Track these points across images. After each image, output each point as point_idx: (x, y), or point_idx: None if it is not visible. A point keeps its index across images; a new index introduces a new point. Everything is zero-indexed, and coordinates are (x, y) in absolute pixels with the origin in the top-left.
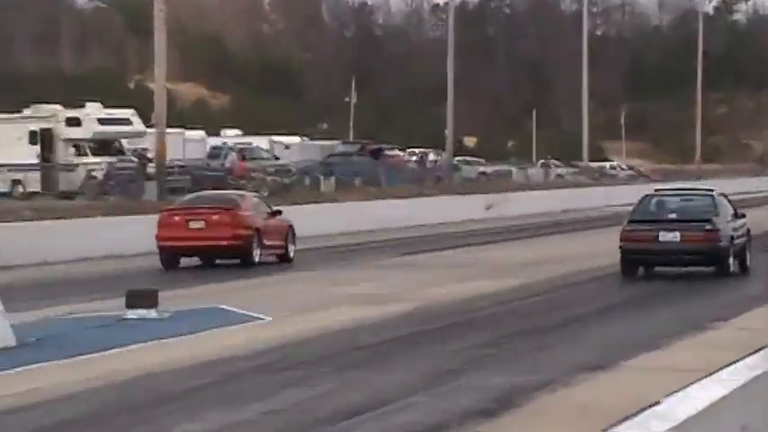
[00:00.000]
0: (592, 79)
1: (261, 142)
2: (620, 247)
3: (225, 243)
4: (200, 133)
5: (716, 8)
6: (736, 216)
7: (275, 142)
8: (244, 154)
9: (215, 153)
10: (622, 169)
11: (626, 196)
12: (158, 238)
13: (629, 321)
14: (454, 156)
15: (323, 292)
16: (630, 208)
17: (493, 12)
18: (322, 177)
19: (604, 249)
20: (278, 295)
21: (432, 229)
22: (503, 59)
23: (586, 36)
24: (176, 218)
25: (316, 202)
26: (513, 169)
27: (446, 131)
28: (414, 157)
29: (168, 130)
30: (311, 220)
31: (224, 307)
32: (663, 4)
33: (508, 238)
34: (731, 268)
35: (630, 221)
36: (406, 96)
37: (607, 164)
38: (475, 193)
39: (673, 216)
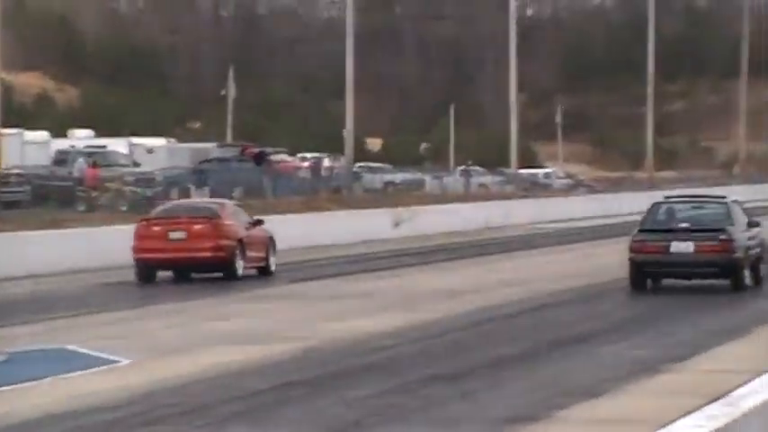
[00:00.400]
0: (522, 69)
1: (118, 145)
2: (630, 258)
3: (208, 255)
4: (44, 134)
5: None
6: (751, 225)
7: (135, 145)
8: (94, 159)
9: (61, 158)
10: (559, 178)
11: (563, 211)
12: (135, 250)
13: (568, 361)
14: (355, 162)
15: (194, 329)
16: (567, 225)
17: None
18: (193, 188)
19: (536, 275)
20: (139, 332)
21: (327, 250)
22: (414, 46)
23: (514, 17)
24: (155, 228)
25: None
26: (427, 178)
27: (344, 132)
28: (306, 164)
29: (3, 131)
30: None
31: (72, 347)
32: None
33: (420, 262)
34: (746, 281)
35: (641, 231)
36: (295, 90)
37: (540, 171)
38: (380, 207)
39: (685, 225)
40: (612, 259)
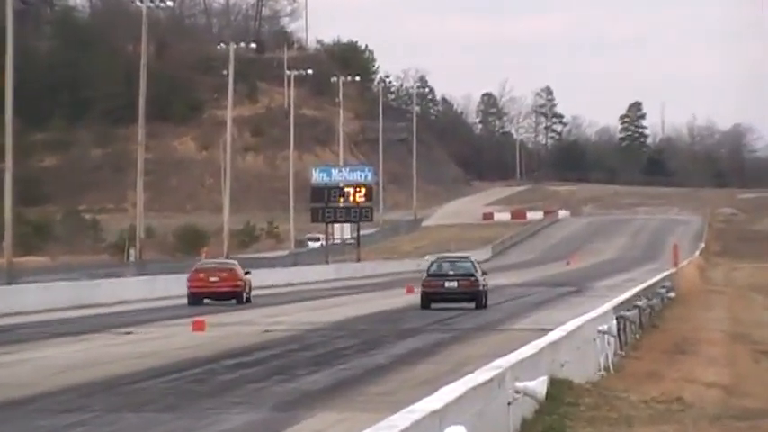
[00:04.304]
0: None
1: None
2: (422, 291)
3: (230, 290)
4: None
5: None
6: (484, 273)
7: None
8: None
9: None
10: None
11: None
12: (190, 287)
13: None
14: None
15: None
16: None
17: None
18: None
19: None
20: None
21: None
22: None
23: None
24: (201, 275)
25: None
26: None
27: None
28: None
29: None
30: None
31: None
32: None
33: None
34: (483, 303)
35: (428, 275)
36: None
37: None
38: None
39: (451, 272)
40: None
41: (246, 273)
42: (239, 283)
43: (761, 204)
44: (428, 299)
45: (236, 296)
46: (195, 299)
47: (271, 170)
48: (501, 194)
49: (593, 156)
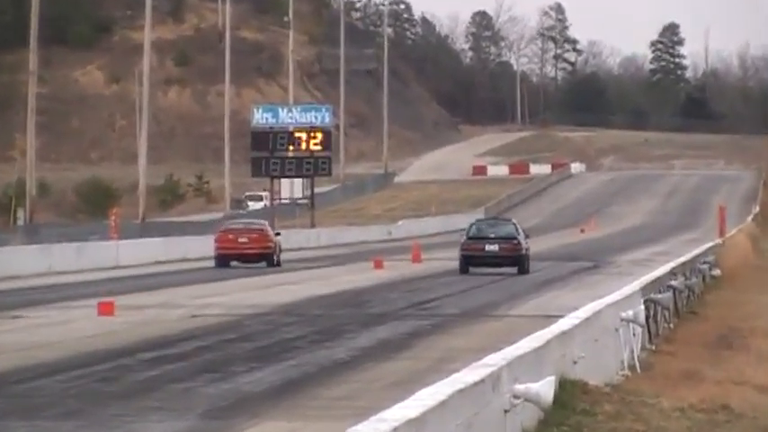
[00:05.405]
0: None
1: None
2: (461, 254)
3: (260, 251)
4: None
5: None
6: (526, 236)
7: None
8: None
9: None
10: None
11: None
12: (217, 248)
13: None
14: None
15: None
16: None
17: None
18: None
19: None
20: None
21: None
22: None
23: None
24: (230, 235)
25: None
26: None
27: None
28: None
29: None
30: None
31: None
32: None
33: None
34: (526, 267)
35: (468, 238)
36: None
37: None
38: None
39: (492, 235)
40: None
41: (277, 234)
42: (270, 244)
43: None
44: (467, 263)
45: (267, 258)
46: (223, 261)
47: (200, 109)
48: (497, 142)
49: (616, 93)
